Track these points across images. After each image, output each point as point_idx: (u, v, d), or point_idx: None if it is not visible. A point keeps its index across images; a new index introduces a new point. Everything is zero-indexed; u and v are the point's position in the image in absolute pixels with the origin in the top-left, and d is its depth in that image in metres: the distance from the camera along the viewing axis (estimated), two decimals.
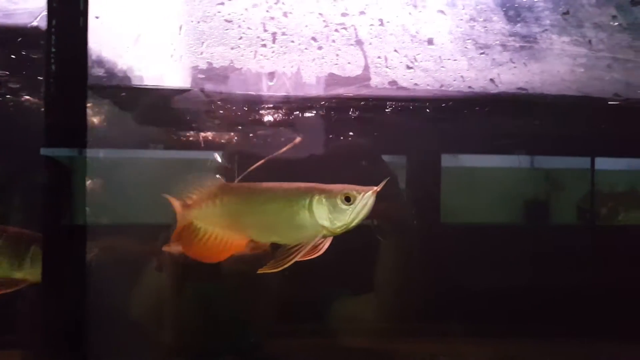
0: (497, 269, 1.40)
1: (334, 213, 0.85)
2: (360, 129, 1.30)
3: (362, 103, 1.13)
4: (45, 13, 0.88)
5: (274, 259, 0.86)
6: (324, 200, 0.85)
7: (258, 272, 0.87)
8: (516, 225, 1.59)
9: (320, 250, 0.86)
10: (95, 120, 1.10)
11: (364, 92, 1.07)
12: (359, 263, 1.23)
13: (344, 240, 1.14)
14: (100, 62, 1.00)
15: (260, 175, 1.00)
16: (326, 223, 0.85)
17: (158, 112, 1.13)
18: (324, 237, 0.87)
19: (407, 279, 1.25)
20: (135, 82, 1.02)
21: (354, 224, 0.86)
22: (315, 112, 1.15)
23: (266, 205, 0.89)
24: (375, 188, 0.85)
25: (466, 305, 1.33)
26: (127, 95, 1.05)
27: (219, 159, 1.17)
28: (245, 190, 0.91)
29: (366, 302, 1.29)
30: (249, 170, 1.00)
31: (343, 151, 1.20)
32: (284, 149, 1.05)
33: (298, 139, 1.09)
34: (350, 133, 1.29)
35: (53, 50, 0.88)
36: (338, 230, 0.86)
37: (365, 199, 0.84)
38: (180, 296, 1.19)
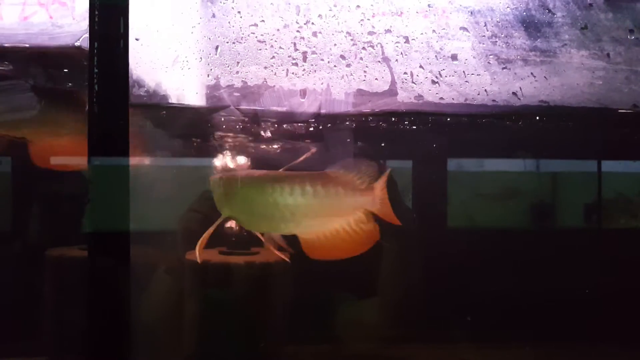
0: (502, 274, 1.41)
1: None
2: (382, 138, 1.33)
3: (389, 117, 1.17)
4: (86, 35, 0.93)
5: None
6: None
7: None
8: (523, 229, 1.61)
9: None
10: (137, 135, 1.15)
11: (391, 106, 1.11)
12: (364, 268, 1.25)
13: None
14: (140, 82, 1.05)
15: None
16: None
17: (196, 129, 1.18)
18: None
19: (411, 284, 1.28)
20: (174, 100, 1.06)
21: None
22: (344, 126, 1.19)
23: None
24: None
25: (471, 310, 1.35)
26: (167, 114, 1.10)
27: None
28: None
29: (371, 307, 1.33)
30: None
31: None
32: (301, 158, 1.08)
33: (312, 150, 1.13)
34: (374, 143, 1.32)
35: (96, 70, 0.92)
36: None
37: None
38: (190, 301, 1.22)
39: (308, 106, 1.08)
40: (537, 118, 1.18)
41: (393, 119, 1.16)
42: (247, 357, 1.22)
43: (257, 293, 1.23)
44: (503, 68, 1.12)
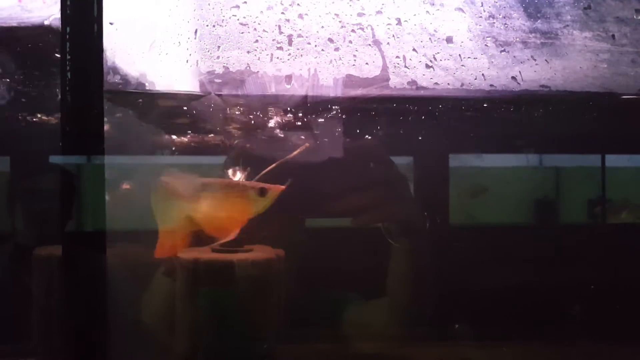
0: (511, 271, 1.38)
1: None
2: (375, 130, 1.29)
3: (380, 104, 1.12)
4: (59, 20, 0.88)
5: None
6: None
7: None
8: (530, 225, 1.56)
9: None
10: (112, 126, 1.10)
11: (383, 92, 1.06)
12: (370, 267, 1.22)
13: (355, 244, 1.13)
14: (115, 69, 0.99)
15: (272, 177, 1.00)
16: None
17: (174, 118, 1.13)
18: None
19: (419, 283, 1.23)
20: (151, 87, 1.01)
21: None
22: (332, 114, 1.14)
23: None
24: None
25: (479, 309, 1.31)
26: (144, 102, 1.04)
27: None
28: None
29: (378, 307, 1.28)
30: (262, 173, 0.99)
31: (353, 153, 1.19)
32: (294, 153, 1.03)
33: (307, 144, 1.08)
34: (364, 134, 1.28)
35: (68, 57, 0.87)
36: None
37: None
38: (191, 302, 1.17)
39: (294, 93, 1.03)
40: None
41: (385, 106, 1.11)
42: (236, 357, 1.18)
43: (249, 290, 1.19)
44: (501, 51, 1.07)
